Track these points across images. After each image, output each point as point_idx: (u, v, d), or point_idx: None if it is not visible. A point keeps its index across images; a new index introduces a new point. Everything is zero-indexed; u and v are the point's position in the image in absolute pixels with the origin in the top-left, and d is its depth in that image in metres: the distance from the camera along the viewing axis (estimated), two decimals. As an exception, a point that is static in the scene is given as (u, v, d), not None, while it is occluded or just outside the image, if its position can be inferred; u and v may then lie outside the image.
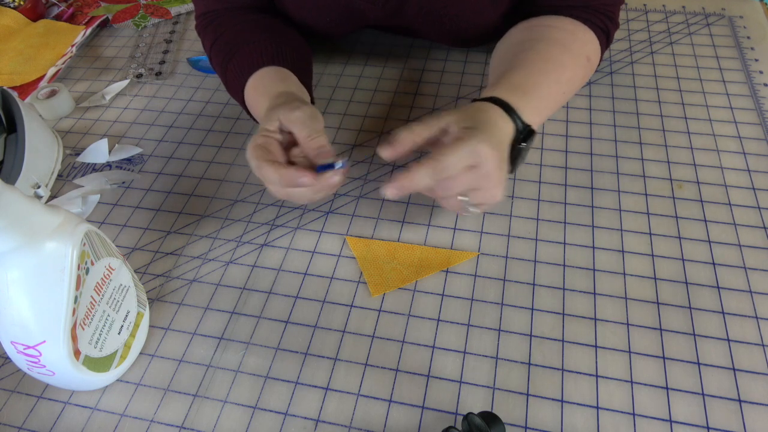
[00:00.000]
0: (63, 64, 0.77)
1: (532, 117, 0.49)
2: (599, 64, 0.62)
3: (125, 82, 0.74)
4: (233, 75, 0.58)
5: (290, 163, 0.48)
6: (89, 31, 0.83)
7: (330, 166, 0.44)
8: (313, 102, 0.59)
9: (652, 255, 0.50)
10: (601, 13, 0.58)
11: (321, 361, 0.46)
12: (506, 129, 0.47)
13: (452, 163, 0.43)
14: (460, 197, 0.45)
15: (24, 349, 0.38)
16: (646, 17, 0.77)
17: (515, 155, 0.49)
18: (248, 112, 0.59)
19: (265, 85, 0.55)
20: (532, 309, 0.48)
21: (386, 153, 0.45)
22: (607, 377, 0.43)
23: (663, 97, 0.65)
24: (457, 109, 0.48)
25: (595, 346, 0.45)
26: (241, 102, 0.59)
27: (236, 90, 0.58)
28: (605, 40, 0.59)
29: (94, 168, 0.63)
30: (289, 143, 0.48)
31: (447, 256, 0.51)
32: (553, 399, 0.42)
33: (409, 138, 0.45)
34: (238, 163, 0.62)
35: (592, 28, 0.57)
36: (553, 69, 0.53)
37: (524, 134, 0.48)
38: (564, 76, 0.54)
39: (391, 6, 0.62)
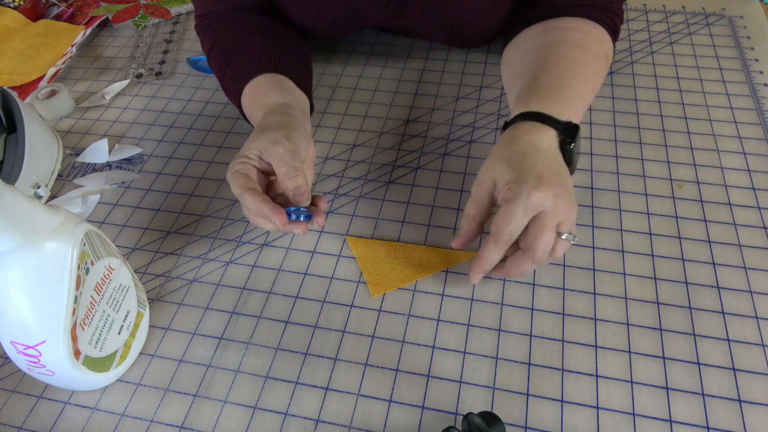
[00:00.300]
0: (63, 64, 0.77)
1: (570, 114, 0.49)
2: None
3: (125, 82, 0.74)
4: (230, 82, 0.58)
5: (270, 187, 0.50)
6: (89, 31, 0.83)
7: (298, 215, 0.46)
8: (312, 105, 0.59)
9: (652, 255, 0.50)
10: (607, 10, 0.58)
11: (321, 361, 0.45)
12: (549, 142, 0.47)
13: (513, 230, 0.44)
14: (563, 237, 0.44)
15: (24, 349, 0.38)
16: (646, 17, 0.77)
17: (569, 156, 0.48)
18: (246, 119, 0.59)
19: (259, 94, 0.55)
20: (532, 309, 0.48)
21: (456, 244, 0.48)
22: (607, 377, 0.43)
23: (663, 97, 0.65)
24: (494, 156, 0.47)
25: (595, 346, 0.45)
26: (240, 109, 0.59)
27: (233, 97, 0.59)
28: (614, 35, 0.59)
29: (94, 168, 0.63)
30: (268, 170, 0.49)
31: (447, 256, 0.51)
32: (553, 399, 0.42)
33: (469, 224, 0.47)
34: (238, 163, 0.62)
35: (605, 27, 0.57)
36: (578, 70, 0.53)
37: (569, 133, 0.48)
38: (589, 75, 0.53)
39: (392, 8, 0.62)
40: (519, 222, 0.43)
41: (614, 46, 0.60)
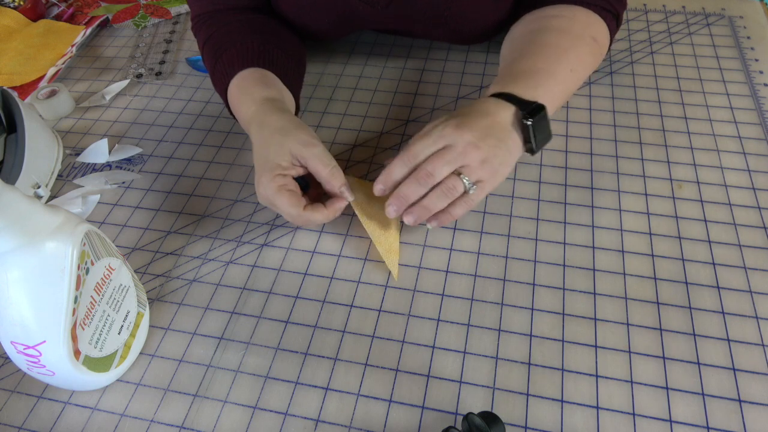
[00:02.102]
0: (63, 64, 0.77)
1: (539, 94, 0.50)
2: (607, 53, 0.62)
3: (125, 82, 0.74)
4: (218, 76, 0.58)
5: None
6: (89, 31, 0.83)
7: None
8: (298, 105, 0.60)
9: (652, 255, 0.50)
10: None
11: (321, 361, 0.46)
12: (501, 113, 0.49)
13: (419, 149, 0.47)
14: (463, 178, 0.47)
15: (24, 349, 0.38)
16: (646, 17, 0.77)
17: (528, 133, 0.49)
18: (231, 114, 0.60)
19: (246, 87, 0.55)
20: (532, 309, 0.48)
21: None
22: (607, 377, 0.43)
23: (663, 97, 0.65)
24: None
25: (595, 346, 0.45)
26: (227, 103, 0.59)
27: (221, 91, 0.59)
28: (613, 19, 0.59)
29: (94, 168, 0.63)
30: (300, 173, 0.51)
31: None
32: (553, 399, 0.42)
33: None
34: (238, 163, 0.62)
35: (598, 12, 0.57)
36: (553, 52, 0.53)
37: (530, 110, 0.48)
38: (569, 57, 0.54)
39: (392, 9, 0.62)
40: (427, 144, 0.47)
41: (614, 31, 0.59)
